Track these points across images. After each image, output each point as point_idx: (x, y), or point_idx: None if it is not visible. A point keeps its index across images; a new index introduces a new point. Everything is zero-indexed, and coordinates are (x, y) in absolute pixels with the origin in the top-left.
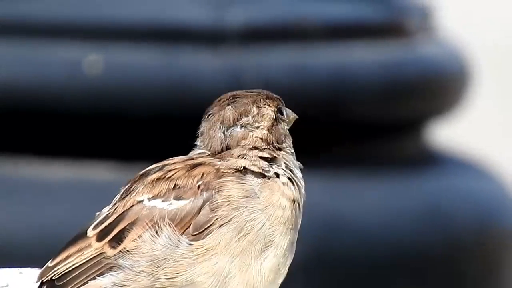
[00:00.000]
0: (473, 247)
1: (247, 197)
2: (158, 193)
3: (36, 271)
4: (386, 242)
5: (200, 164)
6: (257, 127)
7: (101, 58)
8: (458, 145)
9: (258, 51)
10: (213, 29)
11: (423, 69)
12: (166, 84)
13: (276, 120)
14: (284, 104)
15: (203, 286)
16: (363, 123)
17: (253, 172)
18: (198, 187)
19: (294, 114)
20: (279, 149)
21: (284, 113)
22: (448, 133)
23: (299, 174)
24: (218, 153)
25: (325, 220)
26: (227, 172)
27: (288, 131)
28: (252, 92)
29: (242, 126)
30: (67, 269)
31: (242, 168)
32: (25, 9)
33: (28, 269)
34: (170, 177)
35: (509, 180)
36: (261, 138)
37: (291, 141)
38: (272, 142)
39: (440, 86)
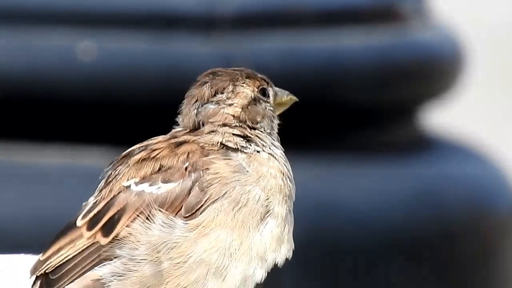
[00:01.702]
0: (467, 231)
1: (236, 172)
2: (145, 176)
3: (30, 257)
4: (380, 227)
5: (184, 142)
6: (230, 105)
7: (94, 45)
8: (452, 129)
9: (250, 36)
10: (206, 15)
11: (417, 54)
12: (158, 70)
13: (255, 100)
14: (271, 85)
15: (209, 263)
16: (356, 109)
17: (232, 149)
18: (186, 168)
19: (291, 96)
20: (253, 129)
21: (270, 93)
22: (442, 118)
23: (278, 151)
24: (191, 130)
25: (318, 206)
26: (211, 149)
27: (271, 113)
28: (234, 70)
29: (215, 103)
30: (60, 261)
31: (218, 144)
32: None
33: (22, 255)
34: (155, 156)
35: (504, 164)
36: (233, 116)
37: (274, 123)
38: (245, 121)
39: (434, 71)
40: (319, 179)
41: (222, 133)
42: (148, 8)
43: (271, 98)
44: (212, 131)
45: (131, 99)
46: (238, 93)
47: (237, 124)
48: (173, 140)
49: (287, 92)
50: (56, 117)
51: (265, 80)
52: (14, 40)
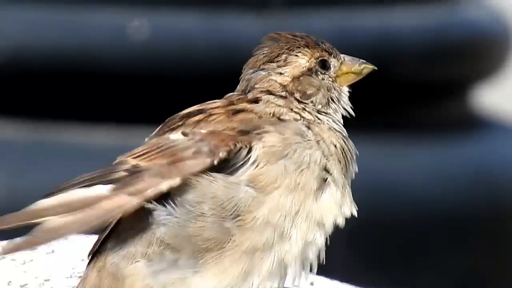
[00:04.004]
0: None
1: (297, 134)
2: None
3: (81, 238)
4: (431, 205)
5: (242, 110)
6: (280, 73)
7: (147, 23)
8: (503, 109)
9: (303, 14)
10: None
11: (467, 32)
12: (211, 48)
13: (310, 71)
14: (336, 55)
15: (272, 224)
16: (407, 87)
17: (288, 121)
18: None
19: (365, 65)
20: (301, 102)
21: (331, 65)
22: (493, 98)
23: (335, 125)
24: (241, 94)
25: (371, 183)
26: (269, 119)
27: (330, 84)
28: (295, 37)
29: (266, 70)
30: None
31: (271, 115)
32: None
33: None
34: (211, 121)
35: None
36: (280, 84)
37: (334, 94)
38: (293, 92)
39: (484, 49)
40: (370, 156)
41: (266, 101)
42: None
43: (333, 69)
44: (256, 98)
45: (182, 77)
46: (290, 62)
47: (283, 94)
48: (231, 107)
49: (360, 61)
50: (107, 96)
51: (327, 51)
52: (66, 18)
